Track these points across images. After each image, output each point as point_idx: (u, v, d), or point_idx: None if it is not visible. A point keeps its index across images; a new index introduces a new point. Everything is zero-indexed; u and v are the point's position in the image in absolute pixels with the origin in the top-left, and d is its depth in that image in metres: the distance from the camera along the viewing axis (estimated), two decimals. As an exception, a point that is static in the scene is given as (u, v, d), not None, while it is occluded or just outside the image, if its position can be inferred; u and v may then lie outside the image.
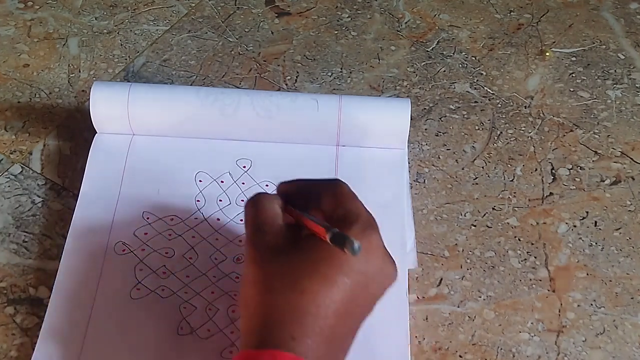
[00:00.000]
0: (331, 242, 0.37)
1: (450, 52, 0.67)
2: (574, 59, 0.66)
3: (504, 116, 0.62)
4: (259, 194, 0.43)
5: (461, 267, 0.52)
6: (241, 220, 0.53)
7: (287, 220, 0.42)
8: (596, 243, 0.54)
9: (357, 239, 0.37)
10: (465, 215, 0.55)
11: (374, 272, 0.39)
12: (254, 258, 0.40)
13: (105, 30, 0.68)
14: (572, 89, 0.64)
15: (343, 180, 0.43)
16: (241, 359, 0.37)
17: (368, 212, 0.42)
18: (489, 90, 0.64)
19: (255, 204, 0.42)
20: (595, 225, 0.55)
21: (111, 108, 0.55)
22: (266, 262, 0.39)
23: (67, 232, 0.52)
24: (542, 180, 0.57)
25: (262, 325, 0.38)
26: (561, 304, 0.50)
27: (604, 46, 0.68)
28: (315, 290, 0.37)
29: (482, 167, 0.58)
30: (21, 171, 0.57)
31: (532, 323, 0.49)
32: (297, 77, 0.64)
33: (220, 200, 0.54)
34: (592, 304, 0.50)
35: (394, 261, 0.41)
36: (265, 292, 0.38)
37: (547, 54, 0.66)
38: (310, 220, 0.40)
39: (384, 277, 0.40)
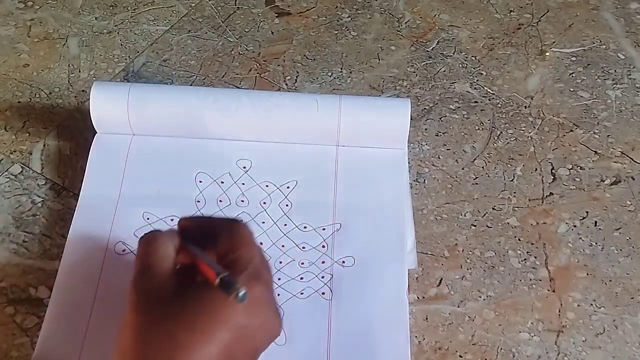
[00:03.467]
0: (218, 287, 0.36)
1: (450, 52, 0.67)
2: (574, 59, 0.66)
3: (504, 116, 0.62)
4: (153, 232, 0.41)
5: (461, 267, 0.52)
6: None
7: (185, 260, 0.41)
8: (596, 243, 0.54)
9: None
10: (465, 215, 0.55)
11: (256, 326, 0.37)
12: (134, 303, 0.38)
13: (105, 30, 0.68)
14: (572, 89, 0.64)
15: (244, 222, 0.41)
16: None
17: (263, 259, 0.40)
18: (489, 90, 0.64)
19: (147, 243, 0.40)
20: (595, 225, 0.55)
21: (111, 108, 0.55)
22: (146, 309, 0.37)
23: (67, 232, 0.52)
24: (542, 180, 0.57)
25: None
26: (561, 304, 0.50)
27: (604, 46, 0.68)
28: (192, 345, 0.35)
29: (482, 167, 0.58)
30: (21, 171, 0.57)
31: (532, 323, 0.49)
32: (297, 77, 0.64)
33: (221, 201, 0.54)
34: (592, 304, 0.50)
35: (279, 314, 0.39)
36: (141, 342, 0.36)
37: (547, 54, 0.66)
38: (203, 262, 0.38)
39: (266, 332, 0.39)
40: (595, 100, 0.63)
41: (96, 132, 0.57)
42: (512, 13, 0.71)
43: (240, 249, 0.39)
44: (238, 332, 0.37)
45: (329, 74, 0.65)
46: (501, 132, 0.61)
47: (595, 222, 0.55)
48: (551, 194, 0.56)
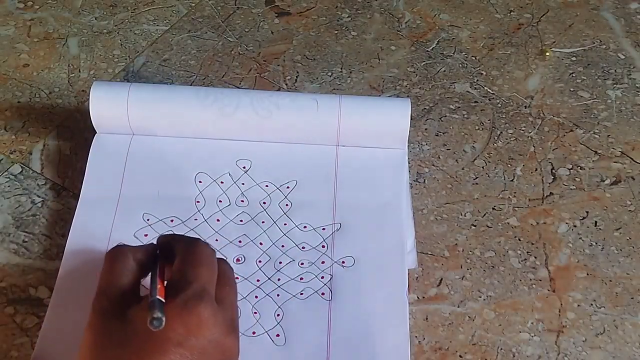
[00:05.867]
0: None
1: (450, 52, 0.67)
2: (574, 59, 0.66)
3: (504, 116, 0.62)
4: (118, 247, 0.41)
5: (461, 267, 0.52)
6: (241, 220, 0.53)
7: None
8: (596, 243, 0.54)
9: (180, 310, 0.36)
10: (465, 215, 0.55)
11: (203, 348, 0.37)
12: (89, 321, 0.38)
13: (105, 30, 0.68)
14: (572, 89, 0.64)
15: (202, 241, 0.41)
16: None
17: (223, 277, 0.40)
18: (489, 90, 0.64)
19: (108, 260, 0.40)
20: (595, 225, 0.55)
21: (111, 108, 0.55)
22: (99, 330, 0.37)
23: (67, 232, 0.52)
24: (542, 180, 0.57)
25: None
26: (561, 304, 0.50)
27: (604, 46, 0.68)
28: None
29: (482, 167, 0.58)
30: (21, 171, 0.57)
31: (532, 323, 0.49)
32: (297, 77, 0.64)
33: (220, 201, 0.54)
34: (592, 304, 0.50)
35: (233, 333, 0.39)
36: None
37: (547, 53, 0.66)
38: (152, 282, 0.38)
39: (218, 351, 0.38)
40: (595, 100, 0.63)
41: (96, 132, 0.57)
42: (512, 13, 0.71)
43: (187, 267, 0.39)
44: (184, 354, 0.36)
45: (329, 74, 0.65)
46: (501, 132, 0.60)
47: (596, 222, 0.55)
48: (551, 194, 0.56)
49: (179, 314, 0.36)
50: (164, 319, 0.35)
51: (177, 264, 0.39)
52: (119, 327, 0.37)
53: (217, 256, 0.41)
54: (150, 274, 0.40)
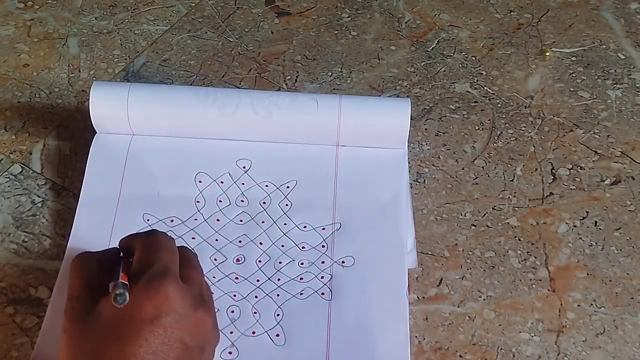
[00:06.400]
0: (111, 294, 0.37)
1: (450, 52, 0.67)
2: (574, 59, 0.66)
3: (504, 116, 0.62)
4: (80, 255, 0.41)
5: (461, 267, 0.52)
6: (241, 220, 0.53)
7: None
8: (596, 243, 0.54)
9: (145, 289, 0.37)
10: (465, 215, 0.55)
11: (175, 323, 0.37)
12: (64, 327, 0.39)
13: (105, 30, 0.68)
14: (572, 89, 0.64)
15: (155, 230, 0.42)
16: None
17: (185, 259, 0.41)
18: (489, 90, 0.64)
19: (73, 267, 0.41)
20: (595, 225, 0.55)
21: (111, 108, 0.55)
22: (73, 329, 0.38)
23: (67, 232, 0.52)
24: (542, 180, 0.57)
25: None
26: (561, 304, 0.50)
27: (604, 46, 0.68)
28: (122, 355, 0.36)
29: (482, 167, 0.58)
30: (21, 171, 0.57)
31: (532, 323, 0.49)
32: (297, 77, 0.64)
33: (220, 201, 0.54)
34: (592, 304, 0.50)
35: (206, 307, 0.40)
36: None
37: (547, 53, 0.66)
38: (114, 273, 0.39)
39: (191, 326, 0.38)
40: (595, 100, 0.63)
41: (96, 132, 0.57)
42: (512, 13, 0.71)
43: (147, 254, 0.40)
44: (158, 331, 0.37)
45: (329, 74, 0.65)
46: (501, 132, 0.60)
47: (596, 222, 0.55)
48: (551, 194, 0.56)
49: (145, 292, 0.37)
50: (127, 293, 0.36)
51: (137, 254, 0.40)
52: (91, 322, 0.38)
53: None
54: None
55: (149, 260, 0.39)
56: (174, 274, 0.39)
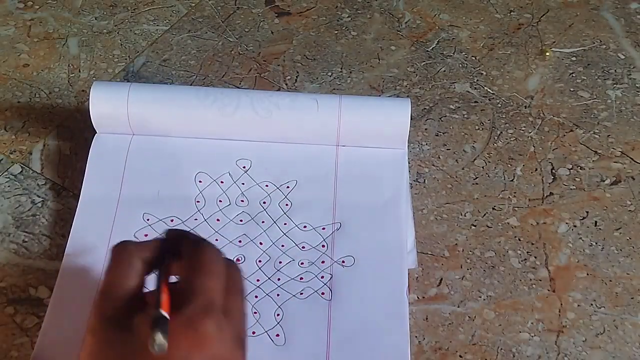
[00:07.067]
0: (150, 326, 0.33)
1: (450, 52, 0.67)
2: (574, 58, 0.66)
3: (504, 116, 0.62)
4: (122, 245, 0.38)
5: (461, 267, 0.52)
6: (241, 220, 0.53)
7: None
8: (596, 243, 0.54)
9: (184, 327, 0.34)
10: (465, 215, 0.55)
11: (209, 358, 0.34)
12: (91, 325, 0.36)
13: (105, 30, 0.68)
14: (572, 89, 0.64)
15: (210, 245, 0.38)
16: None
17: (231, 287, 0.37)
18: (489, 90, 0.64)
19: (113, 258, 0.37)
20: (595, 225, 0.55)
21: (111, 108, 0.55)
22: (101, 335, 0.35)
23: (67, 232, 0.52)
24: (542, 180, 0.57)
25: None
26: (561, 304, 0.50)
27: (604, 46, 0.68)
28: None
29: (482, 167, 0.58)
30: (21, 171, 0.57)
31: (532, 323, 0.49)
32: (297, 77, 0.64)
33: (220, 201, 0.54)
34: (592, 304, 0.50)
35: (240, 347, 0.36)
36: None
37: (547, 53, 0.66)
38: (158, 289, 0.36)
39: None
40: (595, 100, 0.63)
41: (96, 132, 0.57)
42: (512, 13, 0.71)
43: (193, 276, 0.36)
44: None
45: (329, 74, 0.65)
46: (501, 132, 0.60)
47: (596, 222, 0.55)
48: (551, 194, 0.56)
49: (183, 330, 0.34)
50: (166, 345, 0.33)
51: (183, 270, 0.38)
52: (121, 336, 0.35)
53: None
54: (156, 273, 0.38)
55: (194, 287, 0.36)
56: (217, 310, 0.35)
